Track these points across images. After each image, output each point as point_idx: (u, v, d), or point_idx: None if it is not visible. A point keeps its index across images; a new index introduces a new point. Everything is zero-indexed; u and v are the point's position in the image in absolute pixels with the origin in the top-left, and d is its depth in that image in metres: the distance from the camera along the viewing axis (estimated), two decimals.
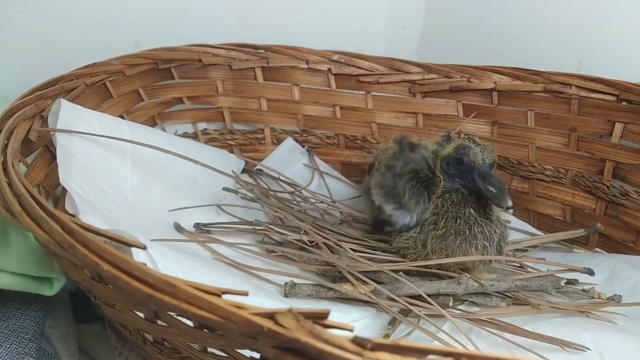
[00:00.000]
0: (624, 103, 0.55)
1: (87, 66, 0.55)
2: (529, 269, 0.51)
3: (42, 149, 0.47)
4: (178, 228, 0.51)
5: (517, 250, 0.55)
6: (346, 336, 0.23)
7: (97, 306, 0.43)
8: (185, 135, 0.65)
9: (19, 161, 0.40)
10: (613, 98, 0.56)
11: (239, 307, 0.24)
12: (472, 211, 0.46)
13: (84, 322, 0.51)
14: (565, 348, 0.41)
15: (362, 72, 0.65)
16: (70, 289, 0.50)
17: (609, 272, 0.52)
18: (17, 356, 0.42)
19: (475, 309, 0.47)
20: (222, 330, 0.27)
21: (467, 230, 0.46)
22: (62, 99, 0.47)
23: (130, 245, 0.30)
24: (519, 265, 0.51)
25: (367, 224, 0.57)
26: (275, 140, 0.69)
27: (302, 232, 0.50)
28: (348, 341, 0.22)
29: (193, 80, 0.65)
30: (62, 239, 0.29)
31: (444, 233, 0.46)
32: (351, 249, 0.49)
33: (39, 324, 0.45)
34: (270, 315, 0.24)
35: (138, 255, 0.35)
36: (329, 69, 0.66)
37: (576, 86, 0.58)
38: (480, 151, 0.46)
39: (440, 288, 0.46)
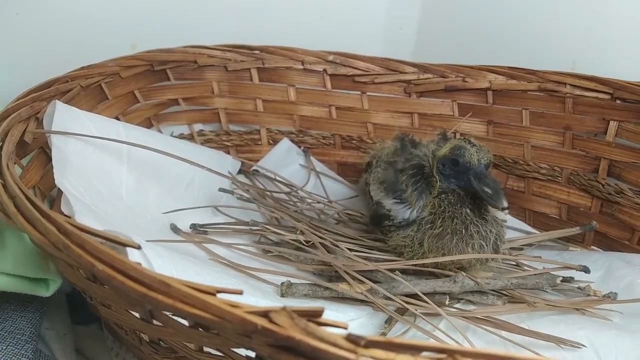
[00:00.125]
0: (618, 101, 0.56)
1: (82, 68, 0.55)
2: (525, 267, 0.51)
3: (38, 150, 0.47)
4: (174, 229, 0.51)
5: (513, 248, 0.55)
6: (340, 334, 0.23)
7: (93, 307, 0.43)
8: (181, 136, 0.65)
9: (14, 163, 0.40)
10: (607, 96, 0.56)
11: (234, 305, 0.24)
12: (468, 211, 0.46)
13: (81, 324, 0.51)
14: (561, 345, 0.41)
15: (358, 72, 0.66)
16: (67, 291, 0.50)
17: (605, 269, 0.53)
18: (13, 358, 0.42)
19: (472, 307, 0.47)
20: (217, 329, 0.27)
21: (463, 230, 0.46)
22: (57, 100, 0.48)
23: (125, 245, 0.30)
24: (515, 263, 0.52)
25: (364, 224, 0.57)
26: (271, 141, 0.69)
27: (298, 232, 0.50)
28: (342, 339, 0.22)
29: (189, 81, 0.65)
30: (57, 240, 0.29)
31: (441, 232, 0.46)
32: (347, 248, 0.49)
33: (35, 325, 0.45)
34: (265, 314, 0.24)
35: (133, 256, 0.35)
36: (325, 70, 0.66)
37: (570, 85, 0.58)
38: (476, 152, 0.46)
39: (437, 287, 0.46)
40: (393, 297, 0.44)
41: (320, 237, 0.50)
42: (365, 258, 0.48)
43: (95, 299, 0.39)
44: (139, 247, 0.30)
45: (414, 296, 0.45)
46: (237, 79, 0.66)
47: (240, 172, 0.65)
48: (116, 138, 0.49)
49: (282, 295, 0.45)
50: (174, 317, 0.30)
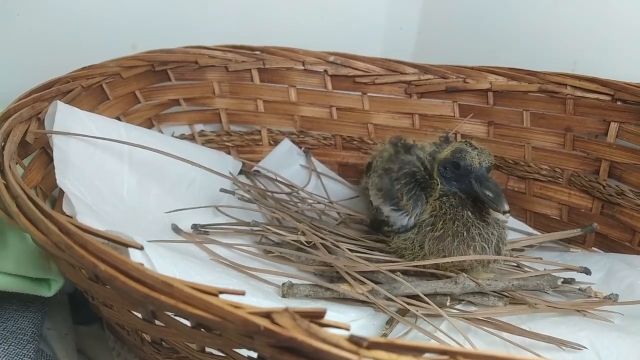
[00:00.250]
0: (619, 103, 0.56)
1: (83, 68, 0.55)
2: (526, 269, 0.51)
3: (39, 151, 0.47)
4: (175, 229, 0.51)
5: (513, 250, 0.55)
6: (342, 335, 0.23)
7: (95, 307, 0.43)
8: (182, 136, 0.65)
9: (16, 163, 0.40)
10: (608, 98, 0.56)
11: (236, 306, 0.24)
12: (469, 214, 0.46)
13: (82, 324, 0.51)
14: (562, 347, 0.41)
15: (358, 73, 0.66)
16: (68, 291, 0.50)
17: (606, 271, 0.52)
18: (15, 358, 0.42)
19: (473, 308, 0.47)
20: (219, 330, 0.27)
21: (464, 232, 0.46)
22: (58, 101, 0.48)
23: (127, 245, 0.30)
24: (516, 265, 0.52)
25: (365, 225, 0.57)
26: (272, 142, 0.69)
27: (299, 232, 0.50)
28: (344, 340, 0.22)
29: (189, 82, 0.65)
30: (60, 240, 0.29)
31: (442, 234, 0.46)
32: (349, 249, 0.49)
33: (37, 325, 0.45)
34: (267, 315, 0.24)
35: (135, 256, 0.35)
36: (325, 70, 0.66)
37: (571, 86, 0.58)
38: (477, 155, 0.46)
39: (438, 288, 0.46)
40: (394, 298, 0.44)
41: (321, 238, 0.50)
42: (367, 259, 0.48)
43: (98, 299, 0.39)
44: (141, 248, 0.30)
45: (415, 297, 0.45)
46: (238, 79, 0.66)
47: (241, 172, 0.65)
48: (117, 138, 0.49)
49: (284, 296, 0.45)
50: (176, 318, 0.30)
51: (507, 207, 0.44)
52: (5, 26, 0.61)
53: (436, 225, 0.47)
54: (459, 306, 0.47)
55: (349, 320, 0.44)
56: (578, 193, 0.60)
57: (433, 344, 0.28)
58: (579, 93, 0.58)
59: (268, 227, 0.52)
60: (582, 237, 0.59)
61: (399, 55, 0.67)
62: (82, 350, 0.49)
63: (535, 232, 0.61)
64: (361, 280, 0.46)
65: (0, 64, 0.62)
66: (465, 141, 0.48)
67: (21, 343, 0.43)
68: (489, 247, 0.46)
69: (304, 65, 0.66)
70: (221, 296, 0.26)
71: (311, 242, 0.49)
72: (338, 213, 0.59)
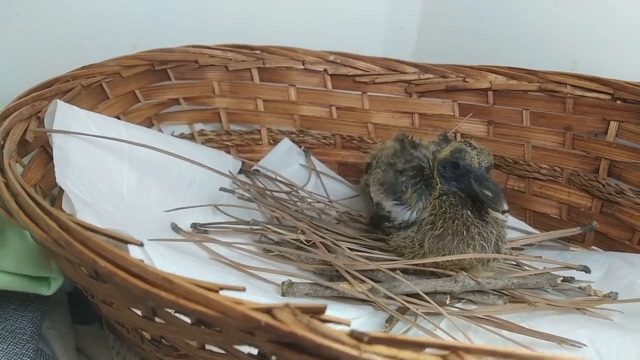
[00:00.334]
0: (618, 102, 0.56)
1: (83, 67, 0.55)
2: (526, 267, 0.51)
3: (39, 149, 0.47)
4: (175, 228, 0.51)
5: (513, 248, 0.55)
6: (343, 330, 0.23)
7: (94, 305, 0.43)
8: (181, 136, 0.65)
9: (16, 162, 0.40)
10: (608, 97, 0.56)
11: (237, 302, 0.24)
12: (469, 212, 0.46)
13: (82, 323, 0.51)
14: (562, 345, 0.41)
15: (358, 72, 0.66)
16: (68, 290, 0.50)
17: (605, 269, 0.53)
18: (14, 357, 0.42)
19: (472, 307, 0.47)
20: (220, 326, 0.27)
21: (464, 231, 0.46)
22: (58, 99, 0.48)
23: (126, 242, 0.30)
24: (515, 263, 0.52)
25: (364, 224, 0.57)
26: (271, 141, 0.69)
27: (299, 231, 0.50)
28: (345, 335, 0.22)
29: (189, 81, 0.65)
30: (59, 237, 0.29)
31: (442, 233, 0.46)
32: (348, 248, 0.49)
33: (36, 324, 0.44)
34: (268, 310, 0.24)
35: (135, 253, 0.35)
36: (325, 70, 0.66)
37: (571, 85, 0.58)
38: (477, 155, 0.46)
39: (437, 286, 0.46)
40: (394, 297, 0.44)
41: (321, 237, 0.50)
42: (366, 258, 0.48)
43: (97, 297, 0.39)
44: (141, 244, 0.30)
45: (415, 296, 0.45)
46: (237, 78, 0.66)
47: (240, 171, 0.65)
48: (117, 137, 0.49)
49: (283, 295, 0.45)
50: (176, 315, 0.30)
51: (506, 207, 0.44)
52: (5, 25, 0.61)
53: (436, 224, 0.47)
54: (458, 305, 0.47)
55: (349, 319, 0.44)
56: (578, 192, 0.60)
57: (434, 339, 0.28)
58: (578, 92, 0.58)
59: (268, 226, 0.52)
60: (582, 236, 0.59)
61: (398, 55, 0.67)
62: (82, 350, 0.49)
63: (534, 231, 0.61)
64: (361, 279, 0.46)
65: (0, 62, 0.61)
66: (465, 141, 0.48)
67: (20, 342, 0.43)
68: (488, 246, 0.46)
69: (303, 64, 0.66)
70: (221, 292, 0.26)
71: (311, 240, 0.49)
72: (337, 212, 0.59)
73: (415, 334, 0.43)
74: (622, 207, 0.56)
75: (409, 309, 0.44)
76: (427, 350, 0.22)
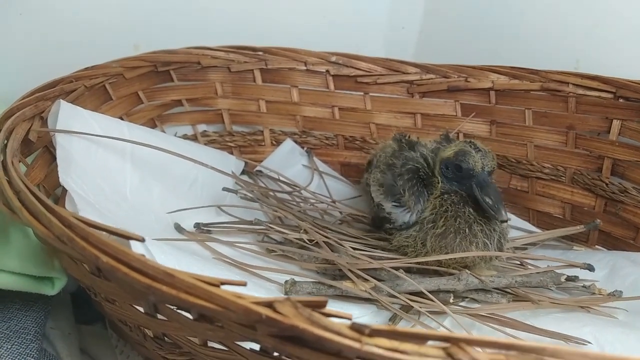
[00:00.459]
0: (621, 100, 0.56)
1: (86, 68, 0.55)
2: (529, 266, 0.51)
3: (42, 149, 0.47)
4: (178, 228, 0.51)
5: (516, 248, 0.55)
6: (345, 323, 0.23)
7: (97, 304, 0.43)
8: (184, 137, 0.65)
9: (19, 161, 0.40)
10: (610, 95, 0.56)
11: (238, 296, 0.24)
12: (471, 210, 0.46)
13: (85, 323, 0.51)
14: (567, 342, 0.41)
15: (360, 73, 0.66)
16: (71, 290, 0.50)
17: (609, 268, 0.52)
18: (18, 357, 0.42)
19: (476, 305, 0.47)
20: (222, 321, 0.27)
21: (467, 229, 0.46)
22: (61, 100, 0.48)
23: (128, 238, 0.30)
24: (519, 262, 0.51)
25: (367, 224, 0.57)
26: (274, 142, 0.69)
27: (302, 230, 0.50)
28: (346, 328, 0.22)
29: (192, 82, 0.65)
30: (62, 233, 0.29)
31: (444, 232, 0.46)
32: (351, 247, 0.49)
33: (40, 324, 0.45)
34: (269, 304, 0.24)
35: (137, 250, 0.35)
36: (327, 70, 0.66)
37: (573, 84, 0.58)
38: (480, 158, 0.45)
39: (441, 285, 0.46)
40: (397, 295, 0.44)
41: (324, 236, 0.50)
42: (369, 257, 0.48)
43: (100, 294, 0.39)
44: (142, 240, 0.30)
45: (419, 294, 0.45)
46: (240, 80, 0.67)
47: (243, 172, 0.65)
48: (120, 137, 0.49)
49: (286, 293, 0.45)
50: (178, 311, 0.30)
51: (504, 217, 0.44)
52: (8, 26, 0.62)
53: (437, 222, 0.46)
54: (462, 303, 0.47)
55: (352, 318, 0.44)
56: (581, 191, 0.60)
57: (435, 331, 0.28)
58: (581, 91, 0.58)
59: (270, 225, 0.52)
60: (586, 235, 0.59)
61: (400, 55, 0.67)
62: (85, 349, 0.49)
63: (538, 230, 0.61)
64: (364, 278, 0.46)
65: (3, 63, 0.62)
66: (469, 141, 0.47)
67: (24, 342, 0.43)
68: (491, 244, 0.46)
69: (306, 65, 0.66)
70: (223, 287, 0.26)
71: (314, 240, 0.49)
72: (340, 212, 0.59)
73: None
74: (626, 205, 0.56)
75: (412, 307, 0.44)
76: (429, 342, 0.22)
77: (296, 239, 0.50)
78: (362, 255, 0.48)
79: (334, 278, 0.48)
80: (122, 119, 0.58)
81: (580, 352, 0.21)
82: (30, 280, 0.42)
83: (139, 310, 0.34)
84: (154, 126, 0.63)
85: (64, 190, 0.44)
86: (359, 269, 0.46)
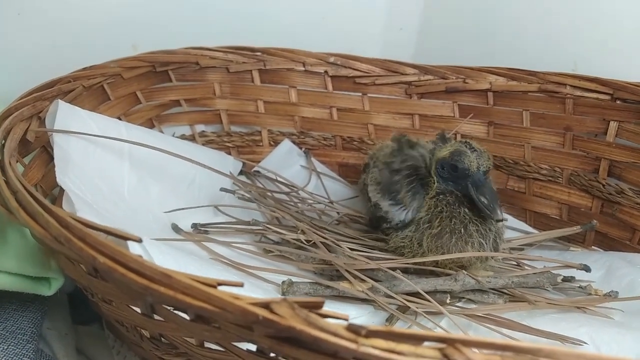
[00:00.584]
0: (618, 102, 0.56)
1: (84, 68, 0.55)
2: (526, 267, 0.51)
3: (40, 149, 0.47)
4: (175, 228, 0.51)
5: (513, 249, 0.55)
6: (341, 324, 0.23)
7: (94, 304, 0.43)
8: (182, 137, 0.65)
9: (17, 161, 0.40)
10: (607, 97, 0.56)
11: (235, 297, 0.24)
12: (466, 210, 0.46)
13: (82, 323, 0.51)
14: (563, 342, 0.41)
15: (359, 73, 0.66)
16: (68, 290, 0.50)
17: (606, 269, 0.52)
18: (14, 358, 0.42)
19: (473, 306, 0.47)
20: (218, 322, 0.27)
21: (462, 229, 0.46)
22: (59, 100, 0.48)
23: (125, 238, 0.30)
24: (515, 263, 0.51)
25: (364, 224, 0.57)
26: (272, 142, 0.69)
27: (299, 231, 0.50)
28: (343, 328, 0.22)
29: (190, 82, 0.65)
30: (59, 233, 0.29)
31: (439, 232, 0.46)
32: (348, 247, 0.49)
33: (36, 325, 0.45)
34: (266, 305, 0.24)
35: (134, 250, 0.35)
36: (326, 71, 0.66)
37: (571, 86, 0.58)
38: (476, 158, 0.45)
39: (437, 285, 0.46)
40: (394, 295, 0.44)
41: (322, 237, 0.50)
42: (366, 257, 0.48)
43: (97, 295, 0.39)
44: (139, 240, 0.30)
45: (415, 295, 0.45)
46: (238, 80, 0.67)
47: (241, 173, 0.65)
48: (118, 137, 0.49)
49: (283, 294, 0.45)
50: (175, 312, 0.30)
51: (500, 216, 0.44)
52: (6, 25, 0.62)
53: (433, 222, 0.47)
54: (459, 304, 0.47)
55: (349, 318, 0.44)
56: (578, 192, 0.60)
57: (432, 332, 0.28)
58: (578, 92, 0.58)
59: (268, 225, 0.52)
60: (582, 236, 0.59)
61: (399, 56, 0.67)
62: (82, 350, 0.49)
63: (535, 231, 0.61)
64: (361, 278, 0.46)
65: (2, 63, 0.62)
66: (465, 141, 0.47)
67: (21, 343, 0.43)
68: (486, 243, 0.46)
69: (304, 66, 0.66)
70: (220, 288, 0.26)
71: (311, 240, 0.49)
72: (338, 213, 0.59)
73: None
74: (623, 207, 0.56)
75: (409, 308, 0.44)
76: (425, 343, 0.22)
77: (294, 239, 0.50)
78: (359, 256, 0.48)
79: (331, 278, 0.48)
80: (120, 119, 0.58)
81: (576, 352, 0.21)
82: (27, 280, 0.42)
83: (136, 311, 0.34)
84: (152, 126, 0.63)
85: (62, 190, 0.44)
86: (356, 270, 0.46)
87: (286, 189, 0.61)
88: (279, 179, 0.62)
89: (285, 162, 0.67)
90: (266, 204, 0.57)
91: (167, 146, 0.51)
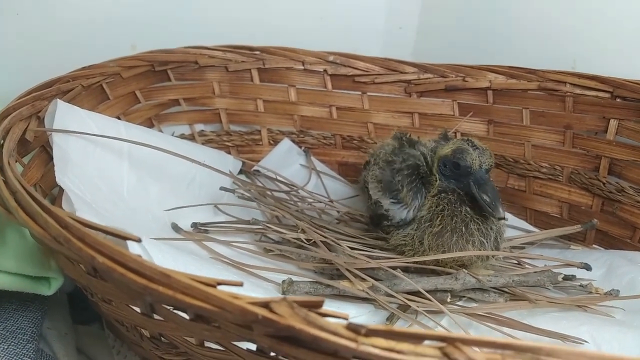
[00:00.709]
0: (618, 100, 0.56)
1: (83, 68, 0.55)
2: (527, 265, 0.51)
3: (39, 149, 0.47)
4: (175, 228, 0.51)
5: (514, 247, 0.55)
6: (341, 323, 0.23)
7: (94, 304, 0.43)
8: (182, 136, 0.65)
9: (16, 161, 0.40)
10: (607, 95, 0.56)
11: (235, 296, 0.24)
12: (467, 209, 0.46)
13: (82, 323, 0.51)
14: (564, 341, 0.41)
15: (358, 72, 0.66)
16: (68, 290, 0.50)
17: (607, 267, 0.52)
18: (15, 357, 0.42)
19: (473, 305, 0.47)
20: (218, 321, 0.27)
21: (463, 228, 0.46)
22: (58, 99, 0.48)
23: (125, 238, 0.30)
24: (516, 262, 0.51)
25: (365, 223, 0.57)
26: (272, 141, 0.69)
27: (299, 230, 0.50)
28: (343, 327, 0.22)
29: (189, 82, 0.65)
30: (58, 233, 0.29)
31: (440, 230, 0.46)
32: (349, 246, 0.49)
33: (36, 325, 0.45)
34: (265, 304, 0.24)
35: (133, 249, 0.35)
36: (325, 70, 0.66)
37: (570, 84, 0.58)
38: (478, 156, 0.45)
39: (438, 284, 0.46)
40: (395, 294, 0.44)
41: (322, 236, 0.50)
42: (367, 256, 0.48)
43: (96, 295, 0.39)
44: (139, 240, 0.30)
45: (416, 294, 0.45)
46: (237, 79, 0.66)
47: (241, 172, 0.65)
48: (117, 137, 0.49)
49: (284, 293, 0.45)
50: (175, 311, 0.30)
51: (502, 214, 0.44)
52: (5, 25, 0.62)
53: (434, 221, 0.47)
54: (459, 303, 0.47)
55: (350, 317, 0.44)
56: (578, 190, 0.60)
57: (432, 331, 0.28)
58: (578, 91, 0.58)
59: (268, 225, 0.52)
60: (583, 235, 0.59)
61: (398, 55, 0.67)
62: (82, 350, 0.49)
63: (535, 230, 0.61)
64: (362, 277, 0.46)
65: (0, 63, 0.62)
66: (467, 139, 0.47)
67: (21, 343, 0.43)
68: (487, 242, 0.46)
69: (303, 65, 0.66)
70: (219, 287, 0.26)
71: (311, 239, 0.49)
72: (338, 212, 0.59)
73: None
74: (623, 205, 0.56)
75: (409, 306, 0.44)
76: (426, 342, 0.22)
77: (294, 238, 0.50)
78: (360, 255, 0.48)
79: (332, 277, 0.48)
80: (119, 118, 0.58)
81: (577, 351, 0.21)
82: (26, 280, 0.42)
83: (136, 311, 0.33)
84: (151, 126, 0.63)
85: (61, 190, 0.44)
86: (356, 269, 0.46)
87: (286, 188, 0.61)
88: (278, 178, 0.62)
89: (284, 161, 0.67)
90: (266, 203, 0.57)
91: (166, 145, 0.51)
